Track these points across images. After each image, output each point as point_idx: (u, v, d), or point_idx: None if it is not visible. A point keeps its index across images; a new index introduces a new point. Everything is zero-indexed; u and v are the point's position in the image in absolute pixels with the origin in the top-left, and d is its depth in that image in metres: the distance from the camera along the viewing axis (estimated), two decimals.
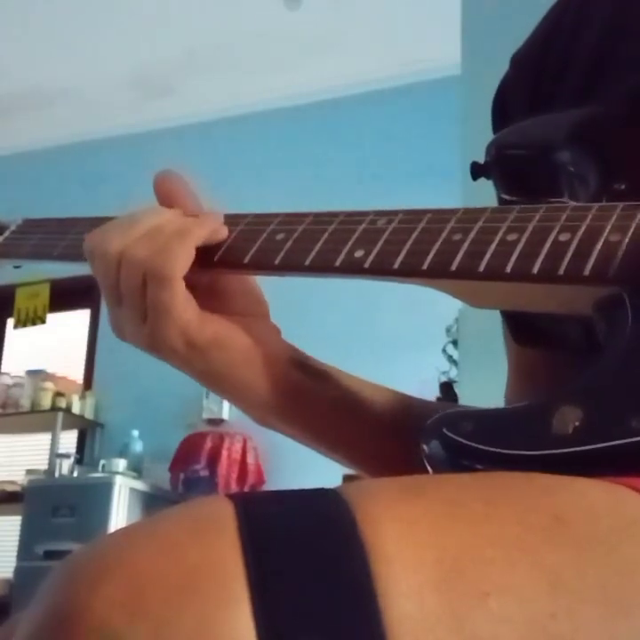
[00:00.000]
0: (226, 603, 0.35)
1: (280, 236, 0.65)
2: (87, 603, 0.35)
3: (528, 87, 0.78)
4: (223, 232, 0.67)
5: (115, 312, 0.69)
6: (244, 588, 0.35)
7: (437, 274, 0.58)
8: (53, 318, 5.04)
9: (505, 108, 0.80)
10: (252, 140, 5.18)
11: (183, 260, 0.64)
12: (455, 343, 3.48)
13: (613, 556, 0.41)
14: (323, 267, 0.62)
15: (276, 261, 0.64)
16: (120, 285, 0.66)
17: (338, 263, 0.61)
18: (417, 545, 0.39)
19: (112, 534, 0.40)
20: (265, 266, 0.65)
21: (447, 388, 3.65)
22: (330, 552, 0.37)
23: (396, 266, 0.59)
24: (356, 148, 4.99)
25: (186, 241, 0.65)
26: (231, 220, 0.68)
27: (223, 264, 0.66)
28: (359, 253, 0.61)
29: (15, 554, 4.42)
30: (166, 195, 0.71)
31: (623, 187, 0.61)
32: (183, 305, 0.64)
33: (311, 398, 0.71)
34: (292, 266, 0.63)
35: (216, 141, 5.21)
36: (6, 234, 0.79)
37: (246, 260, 0.65)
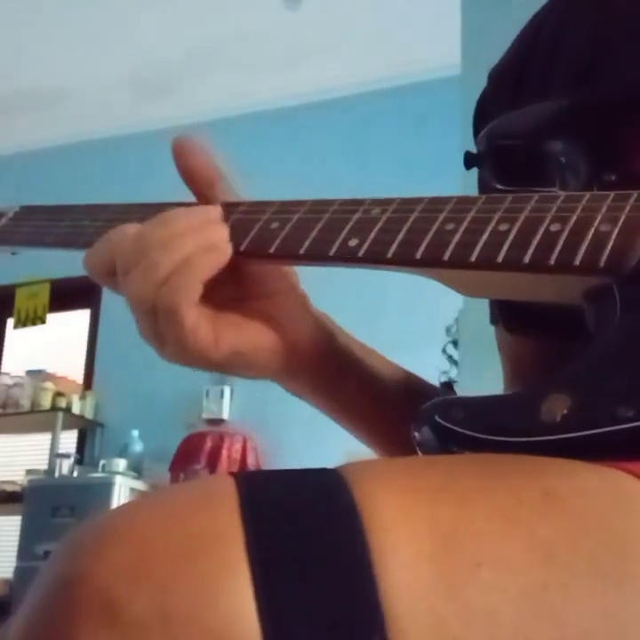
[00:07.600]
0: (226, 568, 0.37)
1: (275, 225, 0.65)
2: (91, 567, 0.37)
3: (507, 102, 0.77)
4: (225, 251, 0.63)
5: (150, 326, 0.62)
6: (243, 555, 0.37)
7: (430, 263, 0.58)
8: (53, 318, 5.03)
9: (484, 123, 0.80)
10: (252, 140, 5.18)
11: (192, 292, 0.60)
12: (455, 343, 3.49)
13: (605, 530, 0.42)
14: (317, 255, 0.62)
15: (271, 250, 0.64)
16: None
17: (332, 252, 0.62)
18: (412, 516, 0.40)
19: (117, 507, 0.42)
20: (259, 254, 0.65)
21: (447, 388, 3.66)
22: (326, 522, 0.39)
23: (389, 255, 0.59)
24: (356, 147, 4.99)
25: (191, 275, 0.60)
26: (226, 208, 0.68)
27: None
28: (353, 242, 0.61)
29: (15, 554, 4.42)
30: (187, 171, 0.70)
31: (613, 177, 0.61)
32: (194, 331, 0.61)
33: (337, 374, 0.71)
34: (286, 254, 0.64)
35: (216, 141, 5.20)
36: (3, 221, 0.80)
37: (242, 248, 0.65)
